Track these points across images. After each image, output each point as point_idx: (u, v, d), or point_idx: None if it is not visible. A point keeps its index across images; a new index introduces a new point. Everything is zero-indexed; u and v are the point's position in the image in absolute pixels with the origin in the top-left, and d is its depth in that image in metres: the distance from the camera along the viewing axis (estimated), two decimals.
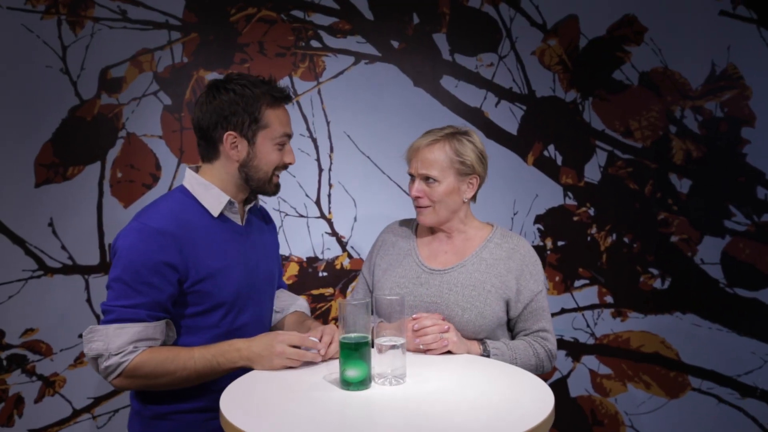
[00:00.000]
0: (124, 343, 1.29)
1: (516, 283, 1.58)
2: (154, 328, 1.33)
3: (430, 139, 1.58)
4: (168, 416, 1.43)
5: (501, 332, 1.61)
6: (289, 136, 1.47)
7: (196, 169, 1.47)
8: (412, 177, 1.60)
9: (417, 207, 1.61)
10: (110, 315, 1.31)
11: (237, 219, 1.48)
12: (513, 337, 1.64)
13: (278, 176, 1.49)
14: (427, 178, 1.56)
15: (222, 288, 1.40)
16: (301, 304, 1.68)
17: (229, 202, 1.44)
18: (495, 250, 1.61)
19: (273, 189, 1.49)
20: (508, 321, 1.62)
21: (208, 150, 1.44)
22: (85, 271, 2.28)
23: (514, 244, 1.62)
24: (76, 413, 2.28)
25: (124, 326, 1.30)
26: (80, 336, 2.27)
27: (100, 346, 1.29)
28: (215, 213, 1.42)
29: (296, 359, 1.31)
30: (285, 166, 1.49)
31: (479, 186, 1.63)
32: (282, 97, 1.44)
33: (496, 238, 1.63)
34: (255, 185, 1.46)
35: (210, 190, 1.43)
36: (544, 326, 1.61)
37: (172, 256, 1.33)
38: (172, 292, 1.35)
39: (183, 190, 1.44)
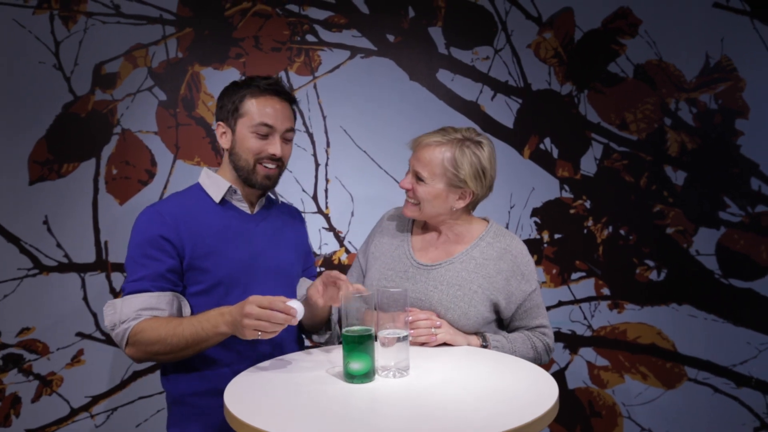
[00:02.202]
0: (130, 312, 1.39)
1: (506, 284, 1.54)
2: (158, 298, 1.41)
3: (436, 138, 1.52)
4: (183, 399, 1.49)
5: (490, 330, 1.58)
6: (270, 126, 1.49)
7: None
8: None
9: (406, 199, 1.60)
10: (123, 292, 1.44)
11: (244, 207, 1.56)
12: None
13: (269, 168, 1.51)
14: (417, 175, 1.54)
15: (219, 265, 1.47)
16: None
17: (231, 189, 1.53)
18: (486, 249, 1.57)
19: (259, 180, 1.52)
20: (501, 320, 1.60)
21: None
22: (81, 269, 2.26)
23: (506, 244, 1.58)
24: (74, 412, 2.26)
25: (131, 297, 1.41)
26: (77, 334, 2.26)
27: (114, 318, 1.41)
28: (217, 199, 1.52)
29: (265, 320, 1.23)
30: (271, 158, 1.51)
31: (476, 199, 1.58)
32: (266, 88, 1.49)
33: (489, 236, 1.59)
34: (242, 175, 1.52)
35: (214, 179, 1.55)
36: (541, 322, 1.60)
37: (168, 231, 1.44)
38: (174, 264, 1.44)
39: (197, 185, 1.58)
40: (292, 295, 1.63)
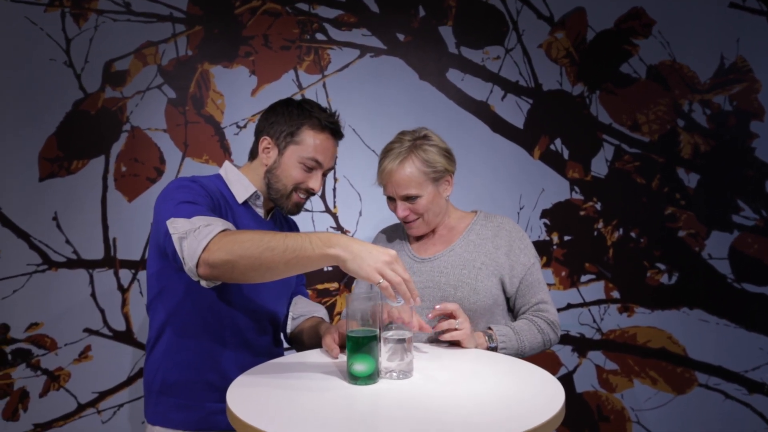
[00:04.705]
0: (215, 220, 1.26)
1: (507, 259, 1.61)
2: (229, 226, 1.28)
3: (396, 159, 1.59)
4: (170, 390, 1.45)
5: (499, 313, 1.62)
6: (319, 163, 1.51)
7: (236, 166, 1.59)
8: (392, 198, 1.64)
9: (405, 222, 1.65)
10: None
11: (261, 212, 1.57)
12: (515, 317, 1.66)
13: (301, 198, 1.54)
14: (407, 197, 1.60)
15: None
16: (320, 311, 1.69)
17: (256, 194, 1.54)
18: (481, 231, 1.66)
19: (290, 207, 1.55)
20: (507, 300, 1.64)
21: (252, 149, 1.58)
22: (90, 265, 2.27)
23: (498, 223, 1.67)
24: (81, 408, 2.27)
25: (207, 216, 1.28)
26: (85, 330, 2.27)
27: (188, 226, 1.24)
28: (240, 199, 1.52)
29: (403, 275, 1.17)
30: (308, 191, 1.54)
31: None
32: (328, 126, 1.51)
33: (480, 220, 1.69)
34: (274, 195, 1.54)
35: (241, 180, 1.54)
36: (542, 298, 1.63)
37: (208, 197, 1.40)
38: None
39: (217, 176, 1.56)
40: (287, 300, 1.66)
